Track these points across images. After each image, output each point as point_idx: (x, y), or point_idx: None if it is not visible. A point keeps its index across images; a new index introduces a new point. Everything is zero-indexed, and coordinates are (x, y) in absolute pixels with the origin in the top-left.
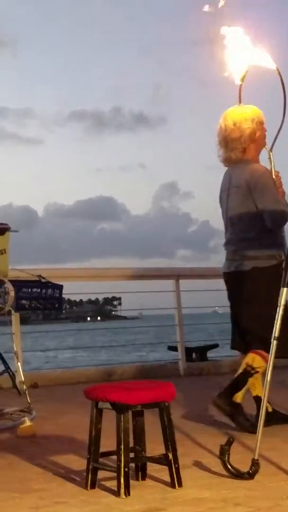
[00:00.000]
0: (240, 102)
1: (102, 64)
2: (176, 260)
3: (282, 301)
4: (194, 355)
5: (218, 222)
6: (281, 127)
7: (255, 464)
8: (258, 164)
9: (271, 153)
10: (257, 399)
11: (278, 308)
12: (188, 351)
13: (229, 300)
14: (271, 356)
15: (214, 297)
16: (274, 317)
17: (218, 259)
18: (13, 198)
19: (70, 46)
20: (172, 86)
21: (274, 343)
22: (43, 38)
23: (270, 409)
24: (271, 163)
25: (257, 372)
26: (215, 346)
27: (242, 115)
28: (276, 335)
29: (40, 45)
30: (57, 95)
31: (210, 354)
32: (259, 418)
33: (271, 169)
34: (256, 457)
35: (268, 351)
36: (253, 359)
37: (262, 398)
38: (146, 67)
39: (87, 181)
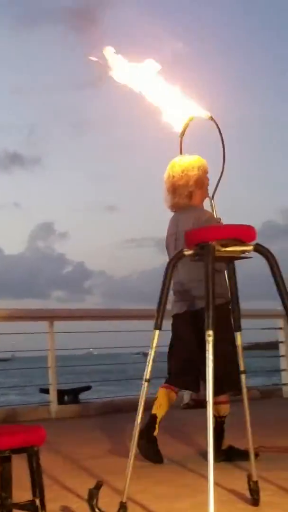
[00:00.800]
0: (181, 153)
1: None
2: (51, 300)
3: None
4: (66, 397)
5: (93, 264)
6: (221, 175)
7: (123, 507)
8: (205, 209)
9: (213, 201)
10: (153, 416)
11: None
12: (60, 393)
13: (179, 340)
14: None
15: (88, 338)
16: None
17: (93, 300)
18: None
19: None
20: (48, 128)
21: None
22: None
23: (225, 447)
24: (213, 210)
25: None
26: (88, 388)
27: (189, 163)
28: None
29: None
30: None
31: (82, 396)
32: (129, 460)
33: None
34: (124, 500)
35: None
36: (218, 409)
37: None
38: (20, 107)
39: None
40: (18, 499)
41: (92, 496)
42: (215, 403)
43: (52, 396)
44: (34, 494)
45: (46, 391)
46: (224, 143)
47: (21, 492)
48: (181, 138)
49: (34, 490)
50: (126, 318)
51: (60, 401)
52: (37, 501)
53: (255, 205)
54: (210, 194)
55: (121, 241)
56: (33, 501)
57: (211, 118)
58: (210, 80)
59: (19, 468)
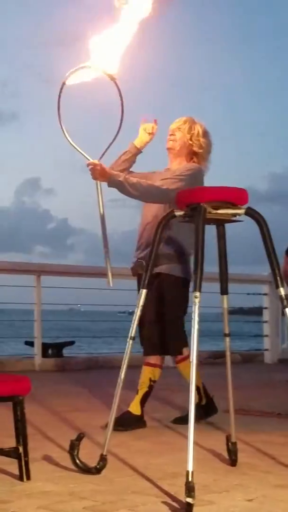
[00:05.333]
0: (59, 98)
1: None
2: (34, 255)
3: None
4: (50, 351)
5: (76, 221)
6: (115, 137)
7: (103, 459)
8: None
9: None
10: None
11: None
12: (45, 346)
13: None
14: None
15: (74, 294)
16: None
17: (76, 258)
18: None
19: None
20: (20, 83)
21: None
22: None
23: (203, 402)
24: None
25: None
26: (72, 343)
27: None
28: (132, 335)
29: None
30: None
31: (66, 350)
32: (111, 414)
33: None
34: (104, 453)
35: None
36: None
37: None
38: None
39: None
40: (1, 445)
41: (74, 447)
42: (151, 365)
43: (37, 349)
44: (18, 442)
45: (31, 343)
46: (124, 107)
47: (4, 439)
48: (63, 85)
49: (18, 438)
50: (113, 277)
51: (44, 354)
52: (20, 449)
53: (242, 171)
54: (98, 157)
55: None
56: (16, 448)
57: (112, 78)
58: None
59: (2, 416)
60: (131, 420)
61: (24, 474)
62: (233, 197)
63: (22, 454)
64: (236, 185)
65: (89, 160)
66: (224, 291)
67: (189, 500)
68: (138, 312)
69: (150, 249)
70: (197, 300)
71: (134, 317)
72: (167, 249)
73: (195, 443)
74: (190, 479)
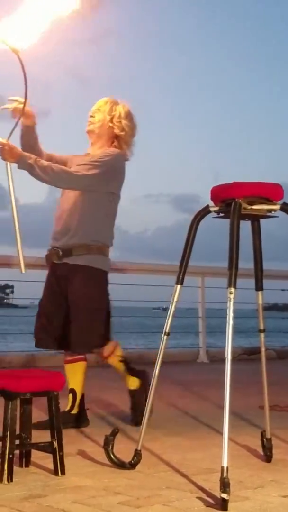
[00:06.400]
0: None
1: None
2: None
3: None
4: None
5: None
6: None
7: (137, 454)
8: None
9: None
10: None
11: None
12: None
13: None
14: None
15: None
16: None
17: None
18: None
19: None
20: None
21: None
22: None
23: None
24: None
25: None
26: None
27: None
28: None
29: None
30: None
31: None
32: (145, 410)
33: None
34: (138, 448)
35: None
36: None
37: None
38: None
39: None
40: (37, 440)
41: (108, 442)
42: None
43: None
44: (52, 436)
45: None
46: (27, 82)
47: (40, 433)
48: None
49: (53, 432)
50: (146, 272)
51: None
52: (55, 443)
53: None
54: (6, 136)
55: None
56: (51, 443)
57: (16, 52)
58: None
59: (35, 412)
60: (142, 400)
61: (59, 468)
62: (269, 192)
63: (57, 449)
64: (272, 180)
65: None
66: (259, 287)
67: (224, 495)
68: (172, 308)
69: (184, 246)
70: (232, 296)
71: (168, 313)
72: (87, 239)
73: (230, 439)
74: (225, 474)
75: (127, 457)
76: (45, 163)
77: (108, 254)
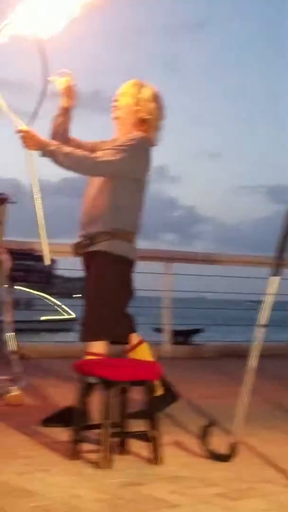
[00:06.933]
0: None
1: None
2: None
3: None
4: (178, 338)
5: (203, 209)
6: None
7: (233, 447)
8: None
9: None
10: None
11: None
12: (173, 333)
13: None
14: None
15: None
16: None
17: (203, 246)
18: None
19: None
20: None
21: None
22: None
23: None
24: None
25: None
26: (201, 330)
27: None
28: None
29: None
30: None
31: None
32: (240, 403)
33: None
34: (235, 441)
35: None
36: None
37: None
38: None
39: None
40: (133, 428)
41: (205, 434)
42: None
43: (166, 335)
44: (150, 426)
45: (159, 330)
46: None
47: (136, 422)
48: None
49: (150, 422)
50: (243, 264)
51: (173, 341)
52: (152, 432)
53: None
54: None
55: (233, 188)
56: (148, 432)
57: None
58: None
59: (135, 400)
60: (158, 403)
61: (155, 458)
62: None
63: (155, 438)
64: None
65: (20, 127)
66: None
67: None
68: (269, 300)
69: (281, 236)
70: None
71: (264, 305)
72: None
73: None
74: None
75: (221, 449)
76: (67, 149)
77: (134, 241)
